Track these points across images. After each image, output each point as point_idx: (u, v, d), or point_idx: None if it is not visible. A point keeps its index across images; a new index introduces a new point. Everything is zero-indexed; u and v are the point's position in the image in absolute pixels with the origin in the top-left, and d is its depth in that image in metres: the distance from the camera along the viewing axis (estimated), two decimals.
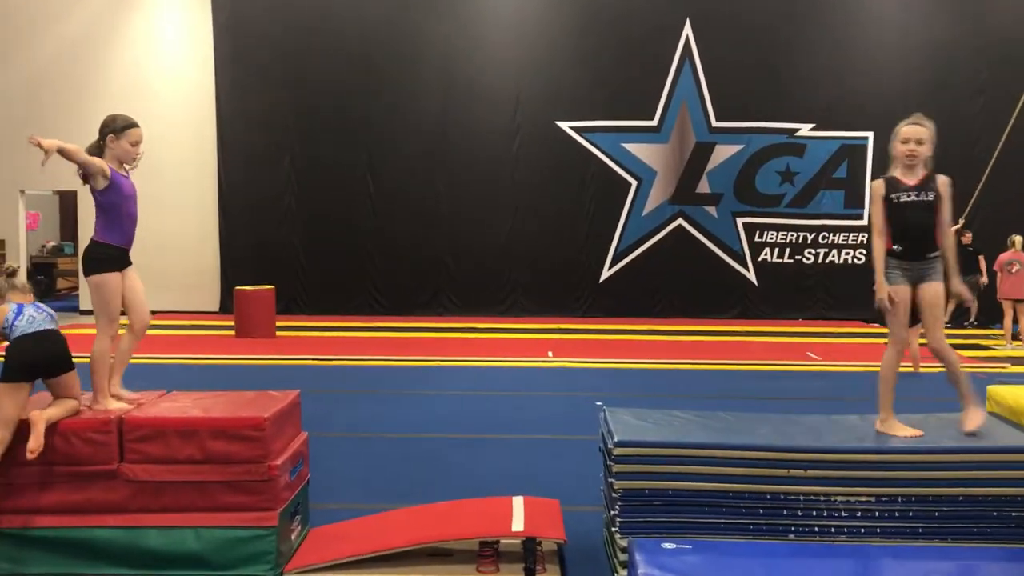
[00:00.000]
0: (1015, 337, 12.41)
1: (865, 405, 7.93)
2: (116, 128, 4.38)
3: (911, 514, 4.16)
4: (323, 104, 15.33)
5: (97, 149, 4.36)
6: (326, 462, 5.85)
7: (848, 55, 15.33)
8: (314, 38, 15.28)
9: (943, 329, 4.58)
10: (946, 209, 4.51)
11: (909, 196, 4.49)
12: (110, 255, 4.33)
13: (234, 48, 15.35)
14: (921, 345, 10.07)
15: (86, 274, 4.37)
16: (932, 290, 4.50)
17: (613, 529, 4.20)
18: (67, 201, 18.35)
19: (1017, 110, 11.40)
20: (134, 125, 4.39)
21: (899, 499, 4.15)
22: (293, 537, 4.39)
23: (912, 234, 4.51)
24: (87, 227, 14.74)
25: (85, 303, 15.37)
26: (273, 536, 4.07)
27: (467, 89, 15.40)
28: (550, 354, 11.50)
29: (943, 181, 4.52)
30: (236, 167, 15.51)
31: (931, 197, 4.48)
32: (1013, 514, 4.17)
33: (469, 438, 7.10)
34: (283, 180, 15.51)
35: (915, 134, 4.51)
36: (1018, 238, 12.45)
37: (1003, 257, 12.44)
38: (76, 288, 16.49)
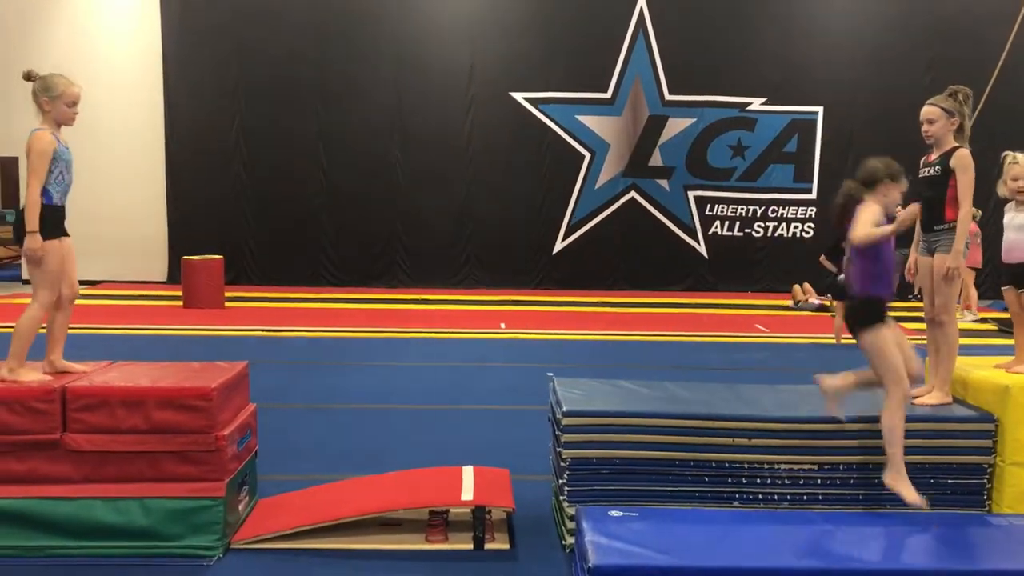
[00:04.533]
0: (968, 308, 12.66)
1: (808, 375, 8.09)
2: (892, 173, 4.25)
3: (852, 481, 4.26)
4: (273, 72, 15.08)
5: None
6: (276, 434, 5.82)
7: (799, 30, 15.44)
8: (264, 4, 15.01)
9: (948, 302, 4.57)
10: (960, 183, 4.44)
11: (922, 171, 4.65)
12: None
13: (182, 11, 15.00)
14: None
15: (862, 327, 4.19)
16: (936, 262, 4.56)
17: (561, 497, 4.25)
18: (7, 168, 17.85)
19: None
20: None
21: (841, 467, 4.25)
22: (241, 508, 4.37)
23: (923, 207, 4.64)
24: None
25: (27, 272, 14.99)
26: (220, 507, 4.04)
27: (421, 59, 15.25)
28: (503, 326, 11.52)
29: (956, 156, 4.47)
30: (184, 134, 15.22)
31: (936, 172, 4.54)
32: (949, 481, 4.30)
33: (421, 409, 7.10)
34: (232, 148, 15.26)
35: (923, 115, 4.60)
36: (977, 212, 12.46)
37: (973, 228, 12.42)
38: (17, 257, 16.11)
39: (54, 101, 4.24)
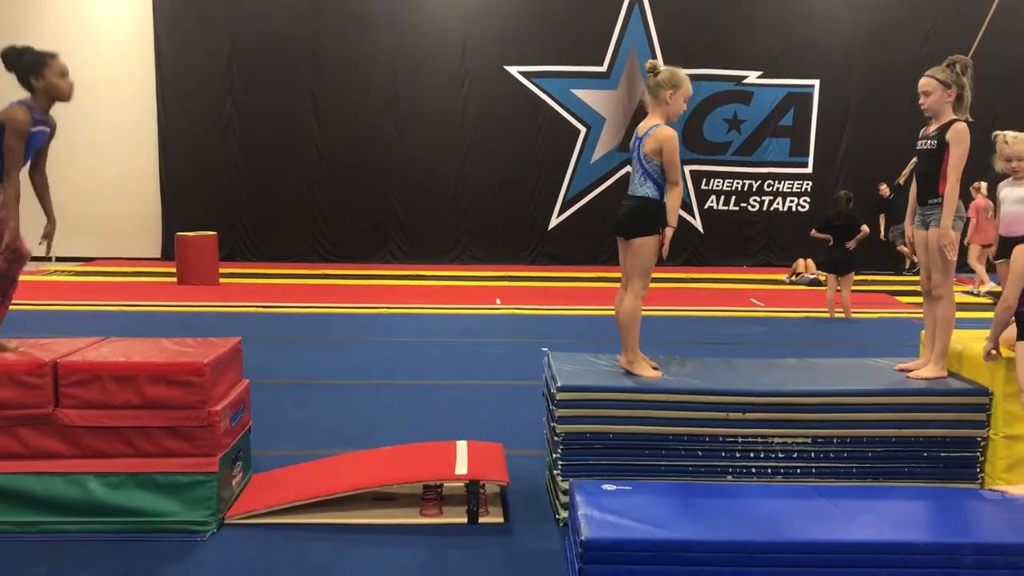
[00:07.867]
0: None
1: (802, 349, 8.11)
2: None
3: (846, 455, 4.27)
4: (266, 46, 14.98)
5: None
6: (270, 409, 5.81)
7: (795, 3, 15.35)
8: None
9: (945, 276, 4.55)
10: (952, 157, 4.38)
11: (920, 143, 4.61)
12: None
13: None
14: (837, 291, 10.32)
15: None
16: (930, 236, 4.54)
17: (555, 472, 4.25)
18: None
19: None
20: None
21: (834, 440, 4.26)
22: (234, 483, 4.37)
23: (917, 180, 4.66)
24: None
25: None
26: (213, 482, 4.04)
27: (414, 32, 15.14)
28: (498, 301, 11.51)
29: (952, 129, 4.40)
30: (177, 109, 15.13)
31: (932, 145, 4.49)
32: (942, 454, 4.30)
33: (416, 384, 7.10)
34: (225, 123, 15.18)
35: (919, 86, 4.55)
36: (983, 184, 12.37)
37: (980, 203, 12.42)
38: None
39: (676, 93, 4.50)
